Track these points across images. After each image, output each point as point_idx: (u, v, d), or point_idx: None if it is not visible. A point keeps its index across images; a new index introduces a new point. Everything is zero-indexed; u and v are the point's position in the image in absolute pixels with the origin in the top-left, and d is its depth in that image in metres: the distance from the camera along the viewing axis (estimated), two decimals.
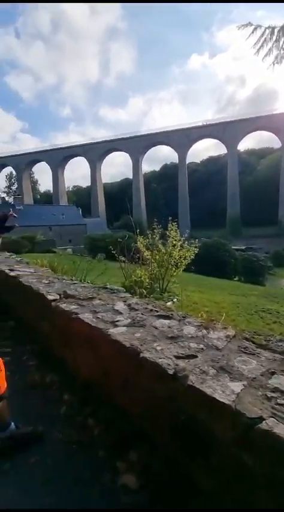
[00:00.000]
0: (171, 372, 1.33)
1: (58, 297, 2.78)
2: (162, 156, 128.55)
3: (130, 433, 1.60)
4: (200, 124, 59.91)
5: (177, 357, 1.44)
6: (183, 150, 56.26)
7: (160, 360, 1.41)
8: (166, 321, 1.93)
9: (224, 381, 1.22)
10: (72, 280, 3.67)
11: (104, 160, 65.54)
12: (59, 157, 63.55)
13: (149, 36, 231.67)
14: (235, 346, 1.55)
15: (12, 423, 1.68)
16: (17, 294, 3.64)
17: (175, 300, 4.96)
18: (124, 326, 1.89)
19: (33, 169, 73.24)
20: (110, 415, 1.76)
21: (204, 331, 1.75)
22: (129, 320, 2.00)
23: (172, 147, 59.33)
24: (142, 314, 2.11)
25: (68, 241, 37.00)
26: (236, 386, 1.17)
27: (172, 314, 2.03)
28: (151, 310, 2.21)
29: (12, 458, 1.56)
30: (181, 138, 55.73)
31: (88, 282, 3.94)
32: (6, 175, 79.19)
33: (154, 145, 62.94)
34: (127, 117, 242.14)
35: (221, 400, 1.10)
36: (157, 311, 2.16)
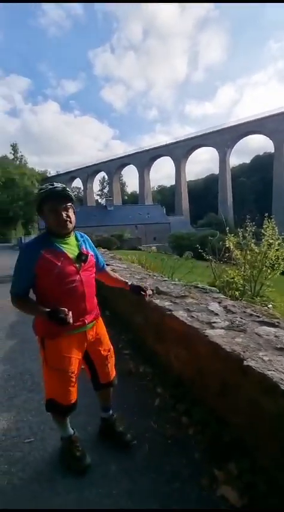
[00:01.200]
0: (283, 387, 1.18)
1: (151, 292, 2.89)
2: (253, 146, 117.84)
3: (228, 442, 1.51)
4: None
5: None
6: (280, 137, 49.69)
7: (269, 372, 1.26)
8: (272, 329, 1.72)
9: None
10: (162, 277, 3.77)
11: (188, 157, 65.12)
12: (145, 159, 66.72)
13: (243, 15, 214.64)
14: None
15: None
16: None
17: (270, 306, 4.43)
18: (221, 328, 1.80)
19: (122, 173, 79.65)
20: (205, 417, 1.70)
21: None
22: (227, 323, 1.89)
23: (266, 135, 53.33)
24: (241, 318, 1.95)
25: (153, 239, 38.53)
26: None
27: (278, 322, 1.80)
28: (251, 314, 2.02)
29: (113, 441, 1.69)
30: (279, 124, 49.25)
31: (176, 280, 3.97)
32: (100, 180, 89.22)
33: (244, 136, 58.05)
34: (215, 110, 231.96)
35: None
36: (258, 316, 1.96)
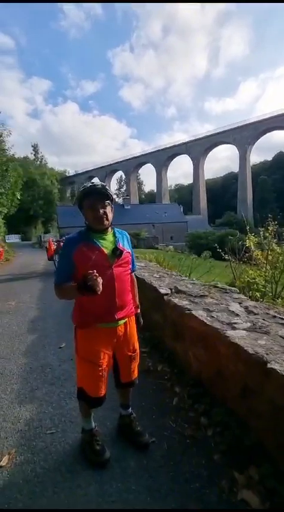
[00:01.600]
0: None
1: (169, 291, 2.89)
2: (275, 143, 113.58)
3: (249, 446, 1.48)
4: None
5: None
6: None
7: None
8: None
9: None
10: (180, 276, 3.75)
11: (207, 155, 63.97)
12: (163, 158, 66.24)
13: (267, 7, 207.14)
14: None
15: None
16: None
17: None
18: (243, 330, 1.76)
19: (139, 172, 79.71)
20: (225, 419, 1.68)
21: None
22: (249, 324, 1.84)
23: None
24: (263, 320, 1.90)
25: (169, 238, 38.31)
26: None
27: None
28: (275, 316, 1.96)
29: (131, 439, 1.70)
30: None
31: (194, 279, 3.93)
32: (117, 179, 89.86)
33: (266, 133, 56.10)
34: (236, 107, 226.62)
35: None
36: (282, 318, 1.90)
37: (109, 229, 1.55)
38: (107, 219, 1.47)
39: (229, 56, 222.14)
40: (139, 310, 1.79)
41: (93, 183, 1.49)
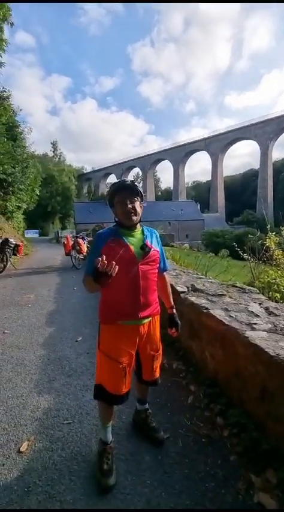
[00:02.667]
0: None
1: (186, 289, 2.87)
2: None
3: (267, 449, 1.45)
4: None
5: None
6: None
7: None
8: None
9: None
10: (197, 274, 3.70)
11: (226, 152, 62.48)
12: (180, 155, 65.37)
13: None
14: None
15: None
16: None
17: None
18: (263, 331, 1.72)
19: (156, 168, 79.15)
20: (242, 421, 1.65)
21: None
22: (269, 325, 1.80)
23: None
24: None
25: (185, 236, 37.95)
26: None
27: None
28: None
29: (146, 435, 1.72)
30: None
31: (210, 278, 3.87)
32: (134, 176, 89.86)
33: None
34: (258, 101, 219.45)
35: None
36: None
37: (138, 226, 1.55)
38: (135, 215, 1.47)
39: (253, 47, 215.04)
40: (175, 311, 1.76)
41: (124, 179, 1.50)
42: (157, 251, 1.55)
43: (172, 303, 1.75)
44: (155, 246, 1.54)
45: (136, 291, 1.44)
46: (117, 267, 1.22)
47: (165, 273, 1.72)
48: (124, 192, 1.47)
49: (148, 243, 1.49)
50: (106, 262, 1.20)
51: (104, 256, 1.22)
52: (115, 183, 1.52)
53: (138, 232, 1.53)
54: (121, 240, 1.45)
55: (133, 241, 1.47)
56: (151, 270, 1.50)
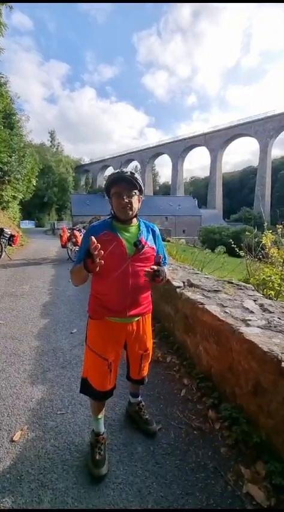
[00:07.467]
0: None
1: (182, 284, 2.87)
2: None
3: (257, 443, 1.48)
4: None
5: None
6: None
7: None
8: None
9: None
10: (193, 269, 3.71)
11: (226, 148, 62.15)
12: (179, 149, 64.79)
13: None
14: None
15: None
16: None
17: None
18: (258, 327, 1.73)
19: (154, 162, 78.46)
20: (233, 415, 1.68)
21: None
22: (264, 322, 1.81)
23: None
24: (279, 318, 1.87)
25: (182, 231, 37.96)
26: None
27: None
28: None
29: (139, 426, 1.74)
30: None
31: (206, 274, 3.89)
32: (132, 169, 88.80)
33: None
34: (260, 98, 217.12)
35: None
36: None
37: (135, 220, 1.46)
38: (131, 209, 1.38)
39: (263, 41, 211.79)
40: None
41: (122, 170, 1.40)
42: (152, 248, 1.47)
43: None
44: (150, 242, 1.46)
45: (125, 288, 1.38)
46: (102, 261, 1.19)
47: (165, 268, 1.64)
48: (122, 184, 1.36)
49: (143, 240, 1.41)
50: (99, 245, 1.17)
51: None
52: (113, 173, 1.41)
53: (133, 227, 1.45)
54: (114, 234, 1.37)
55: (126, 236, 1.39)
56: (144, 268, 1.39)
